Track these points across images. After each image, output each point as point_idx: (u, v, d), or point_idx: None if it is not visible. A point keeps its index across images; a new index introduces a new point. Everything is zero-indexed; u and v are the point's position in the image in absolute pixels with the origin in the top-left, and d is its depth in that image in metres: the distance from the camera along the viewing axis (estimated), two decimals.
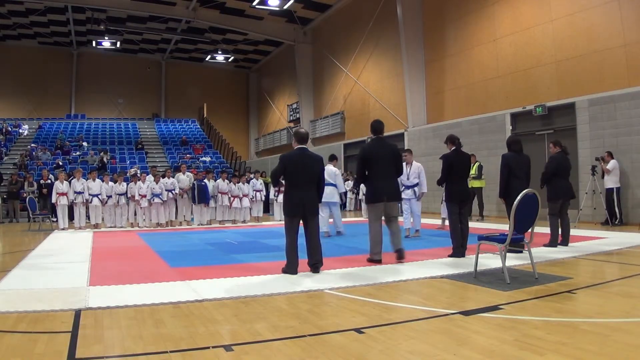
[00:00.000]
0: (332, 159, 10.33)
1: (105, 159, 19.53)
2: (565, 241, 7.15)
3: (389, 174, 6.16)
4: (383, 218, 6.22)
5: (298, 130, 5.83)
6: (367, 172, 6.19)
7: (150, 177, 13.30)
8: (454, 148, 6.61)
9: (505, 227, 7.41)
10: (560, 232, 7.19)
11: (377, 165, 6.09)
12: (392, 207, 6.20)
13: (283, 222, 5.78)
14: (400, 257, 6.09)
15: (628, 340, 2.99)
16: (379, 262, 6.00)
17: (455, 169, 6.49)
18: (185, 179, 13.44)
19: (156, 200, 12.76)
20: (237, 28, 23.40)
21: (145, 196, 12.68)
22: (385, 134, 19.67)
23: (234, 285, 4.91)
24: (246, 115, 33.31)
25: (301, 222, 5.62)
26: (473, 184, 12.88)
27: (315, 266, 5.50)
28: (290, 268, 5.43)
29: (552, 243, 7.12)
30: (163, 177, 13.22)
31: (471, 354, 2.83)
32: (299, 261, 5.51)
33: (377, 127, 6.35)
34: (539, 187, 7.10)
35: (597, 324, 3.36)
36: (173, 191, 13.01)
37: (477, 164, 12.97)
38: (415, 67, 16.82)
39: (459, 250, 6.38)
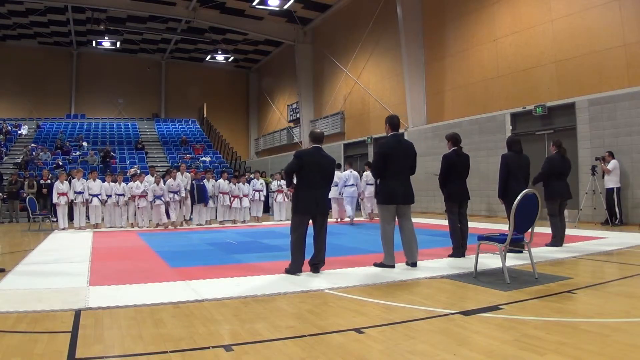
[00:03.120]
0: (339, 167, 13.54)
1: (107, 157, 19.60)
2: (560, 241, 7.15)
3: (405, 174, 5.78)
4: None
5: (313, 130, 5.79)
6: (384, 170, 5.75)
7: (149, 178, 13.27)
8: (454, 148, 6.56)
9: (499, 226, 7.46)
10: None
11: (395, 164, 5.69)
12: (405, 210, 5.80)
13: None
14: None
15: (628, 340, 2.99)
16: (391, 267, 5.63)
17: (455, 169, 6.46)
18: (183, 179, 13.29)
19: (157, 202, 12.49)
20: (237, 28, 23.40)
21: (143, 196, 12.68)
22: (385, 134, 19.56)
23: (234, 285, 4.91)
24: (246, 115, 33.30)
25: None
26: None
27: (316, 266, 5.44)
28: (295, 268, 5.35)
29: (556, 242, 7.13)
30: (163, 176, 13.22)
31: (471, 354, 2.83)
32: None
33: (396, 122, 5.90)
34: (537, 187, 7.11)
35: (597, 324, 3.36)
36: (177, 193, 12.69)
37: None
38: (415, 67, 16.81)
39: (458, 250, 6.39)
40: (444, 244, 7.81)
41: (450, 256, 6.39)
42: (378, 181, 5.87)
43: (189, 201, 13.31)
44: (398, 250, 5.84)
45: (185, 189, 13.06)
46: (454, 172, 6.46)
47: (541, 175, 7.33)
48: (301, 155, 5.55)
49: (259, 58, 30.32)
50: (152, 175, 13.61)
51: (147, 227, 12.83)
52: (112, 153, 20.06)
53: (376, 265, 5.76)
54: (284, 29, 23.82)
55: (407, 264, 5.77)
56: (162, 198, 12.54)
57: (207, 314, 3.84)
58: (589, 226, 10.19)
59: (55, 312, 3.93)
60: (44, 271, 6.01)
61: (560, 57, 12.09)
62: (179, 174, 13.21)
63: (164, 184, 12.68)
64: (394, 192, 5.67)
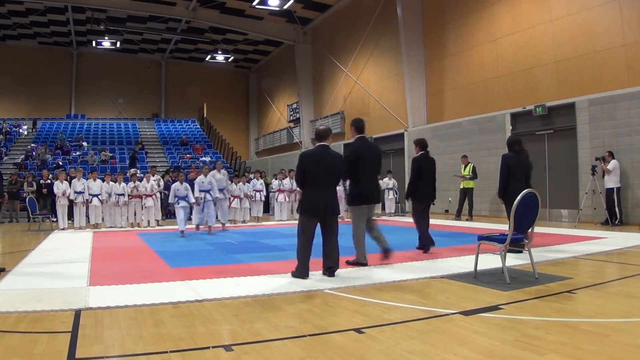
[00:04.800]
0: None
1: (135, 156, 19.90)
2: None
3: (374, 174, 6.10)
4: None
5: (317, 128, 5.65)
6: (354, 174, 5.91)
7: (155, 177, 13.27)
8: (422, 152, 7.16)
9: (499, 226, 7.49)
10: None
11: (365, 166, 5.89)
12: (373, 209, 6.15)
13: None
14: (387, 256, 5.91)
15: (628, 340, 2.99)
16: (364, 265, 5.82)
17: (423, 171, 7.02)
18: (222, 178, 11.77)
19: (182, 203, 10.62)
20: (237, 28, 23.40)
21: (150, 195, 12.72)
22: (385, 134, 19.63)
23: (234, 285, 4.91)
24: (246, 115, 33.30)
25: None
26: (466, 184, 12.93)
27: (331, 270, 5.26)
28: (302, 272, 5.15)
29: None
30: (163, 176, 13.21)
31: (471, 354, 2.83)
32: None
33: (361, 125, 6.16)
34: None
35: (597, 324, 3.36)
36: (210, 192, 10.85)
37: (470, 165, 13.01)
38: (415, 67, 16.81)
39: (424, 243, 7.00)
40: (445, 243, 7.83)
41: (417, 248, 7.03)
42: (348, 183, 6.04)
43: (225, 203, 11.96)
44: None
45: (224, 190, 11.50)
46: (422, 173, 7.02)
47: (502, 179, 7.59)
48: (303, 157, 5.43)
49: (259, 58, 30.32)
50: (153, 175, 13.62)
51: (150, 227, 12.82)
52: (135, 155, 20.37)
53: (349, 263, 5.88)
54: (283, 29, 23.81)
55: (383, 251, 5.92)
56: (187, 199, 10.71)
57: (207, 314, 3.84)
58: (589, 226, 10.19)
59: (55, 312, 3.93)
60: (44, 271, 6.01)
61: (560, 57, 12.09)
62: (215, 172, 11.45)
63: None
64: (369, 193, 5.90)
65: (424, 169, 7.04)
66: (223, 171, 11.96)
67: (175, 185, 10.85)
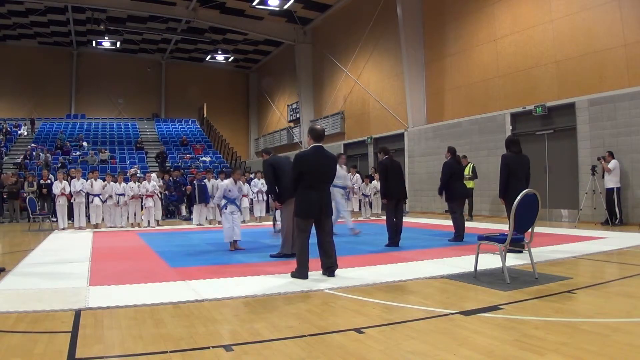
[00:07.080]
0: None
1: (160, 157, 20.05)
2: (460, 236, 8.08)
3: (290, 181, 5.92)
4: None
5: (314, 127, 5.50)
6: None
7: (153, 176, 13.28)
8: (386, 156, 7.92)
9: (499, 226, 7.55)
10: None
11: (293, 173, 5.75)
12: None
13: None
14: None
15: (628, 340, 2.99)
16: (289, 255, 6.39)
17: (390, 173, 7.68)
18: (346, 174, 10.31)
19: (230, 208, 8.08)
20: (237, 28, 23.40)
21: (150, 195, 12.71)
22: (385, 134, 19.57)
23: (234, 285, 4.92)
24: (246, 115, 33.30)
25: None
26: (466, 184, 12.93)
27: (331, 269, 5.24)
28: (301, 273, 5.14)
29: (457, 237, 8.02)
30: (163, 177, 13.23)
31: (471, 354, 2.83)
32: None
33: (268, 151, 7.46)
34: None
35: (597, 324, 3.36)
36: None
37: (470, 165, 13.01)
38: (415, 67, 16.81)
39: (393, 241, 7.58)
40: (445, 243, 7.84)
41: (386, 246, 7.53)
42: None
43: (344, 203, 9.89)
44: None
45: (346, 188, 9.92)
46: (390, 175, 7.67)
47: (442, 182, 8.30)
48: (300, 159, 5.32)
49: (259, 58, 30.31)
50: (162, 178, 13.64)
51: (150, 227, 12.81)
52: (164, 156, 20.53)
53: (272, 255, 6.67)
54: (284, 29, 23.81)
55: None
56: (237, 201, 8.24)
57: (207, 314, 3.84)
58: (589, 226, 10.19)
59: (55, 312, 3.93)
60: (44, 271, 6.01)
61: (560, 57, 12.09)
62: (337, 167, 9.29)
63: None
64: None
65: (391, 171, 7.71)
66: (344, 166, 10.15)
67: (226, 183, 8.05)
